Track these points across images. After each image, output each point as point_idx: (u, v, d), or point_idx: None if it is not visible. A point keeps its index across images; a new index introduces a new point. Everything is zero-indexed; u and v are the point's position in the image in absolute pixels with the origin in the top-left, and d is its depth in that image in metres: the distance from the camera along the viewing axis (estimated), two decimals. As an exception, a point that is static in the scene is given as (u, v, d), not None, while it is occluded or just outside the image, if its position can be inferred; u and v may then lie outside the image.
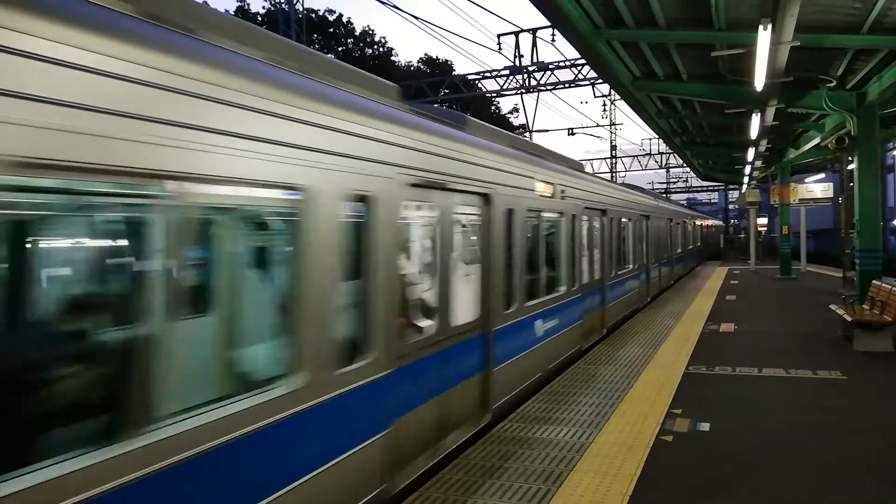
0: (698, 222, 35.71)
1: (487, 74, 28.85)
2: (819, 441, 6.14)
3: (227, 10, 40.55)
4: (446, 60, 51.43)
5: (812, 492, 5.01)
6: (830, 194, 26.62)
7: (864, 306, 11.62)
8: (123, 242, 3.28)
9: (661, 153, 50.12)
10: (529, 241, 8.17)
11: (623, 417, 6.88)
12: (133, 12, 2.93)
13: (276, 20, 24.31)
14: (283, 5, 23.68)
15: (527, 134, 34.86)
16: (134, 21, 2.88)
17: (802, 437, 6.27)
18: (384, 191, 4.59)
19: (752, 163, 23.17)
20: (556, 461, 5.62)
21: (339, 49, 45.18)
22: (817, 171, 31.50)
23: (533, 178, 8.07)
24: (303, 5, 24.12)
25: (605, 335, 12.04)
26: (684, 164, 43.21)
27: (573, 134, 40.63)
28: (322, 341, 3.92)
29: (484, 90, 33.69)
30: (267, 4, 43.78)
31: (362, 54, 45.90)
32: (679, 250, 25.41)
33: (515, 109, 55.06)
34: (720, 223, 64.30)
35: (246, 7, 43.01)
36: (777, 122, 15.24)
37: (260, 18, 40.63)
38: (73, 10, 2.57)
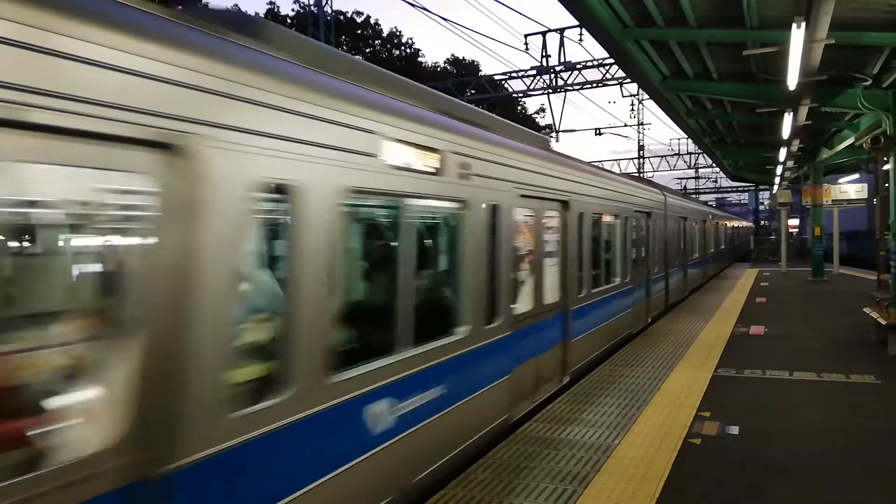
0: (723, 222, 34.22)
1: (514, 75, 28.83)
2: (852, 446, 6.04)
3: (256, 13, 41.09)
4: (473, 61, 51.59)
5: (845, 498, 4.93)
6: (864, 195, 26.04)
7: (900, 310, 11.36)
8: None
9: (690, 153, 49.58)
10: (359, 252, 5.43)
11: (650, 419, 6.83)
12: None
13: (304, 22, 24.57)
14: (312, 7, 23.91)
15: (553, 134, 34.72)
16: None
17: (834, 441, 6.17)
18: None
19: (783, 163, 22.75)
20: (582, 462, 5.61)
21: (367, 50, 45.52)
22: (851, 172, 30.82)
23: (374, 132, 4.41)
24: (331, 7, 24.29)
25: (570, 383, 8.55)
26: (714, 165, 42.67)
27: (600, 134, 40.41)
28: None
29: (511, 90, 33.59)
30: (296, 7, 44.23)
31: (389, 55, 46.17)
32: (696, 255, 22.21)
33: (542, 109, 54.97)
34: (750, 224, 63.22)
35: (276, 10, 43.60)
36: (810, 122, 14.95)
37: (289, 21, 41.12)
38: None
